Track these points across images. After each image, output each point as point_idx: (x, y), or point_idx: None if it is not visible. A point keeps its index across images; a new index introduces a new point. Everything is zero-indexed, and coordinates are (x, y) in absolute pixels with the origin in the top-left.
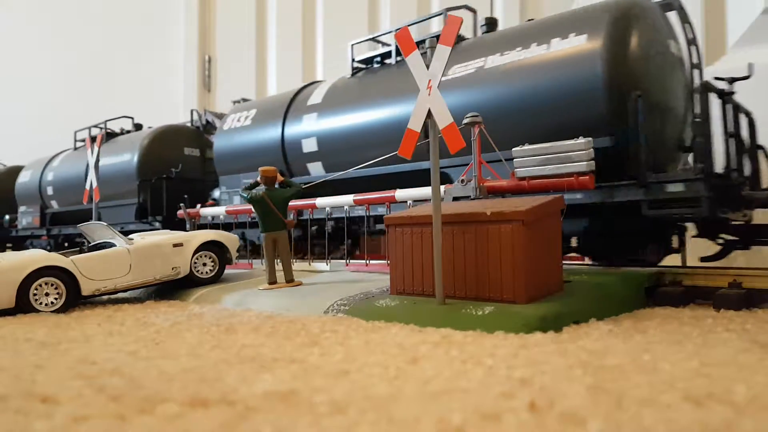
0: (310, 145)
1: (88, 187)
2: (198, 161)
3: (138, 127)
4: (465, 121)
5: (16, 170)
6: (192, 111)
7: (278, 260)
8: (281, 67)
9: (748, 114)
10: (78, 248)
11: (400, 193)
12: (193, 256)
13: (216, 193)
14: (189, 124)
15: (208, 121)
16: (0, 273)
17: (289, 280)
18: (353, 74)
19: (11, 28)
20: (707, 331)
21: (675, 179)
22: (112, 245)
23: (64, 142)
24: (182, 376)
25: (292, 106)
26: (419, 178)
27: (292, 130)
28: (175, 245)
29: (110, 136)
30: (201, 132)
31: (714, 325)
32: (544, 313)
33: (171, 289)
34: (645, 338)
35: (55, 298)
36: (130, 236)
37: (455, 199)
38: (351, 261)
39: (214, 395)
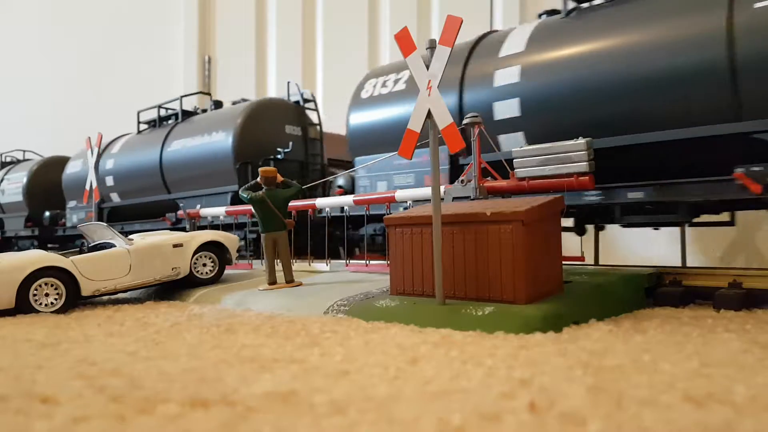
0: (507, 110)
1: (87, 187)
2: (300, 141)
3: (218, 104)
4: (465, 121)
5: (57, 161)
6: (288, 83)
7: (278, 260)
8: (281, 68)
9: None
10: (78, 248)
11: (400, 194)
12: (193, 257)
13: (341, 180)
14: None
15: (305, 96)
16: (0, 273)
17: (289, 280)
18: (567, 14)
19: (10, 27)
20: (707, 332)
21: None
22: (112, 246)
23: (64, 142)
24: (182, 376)
25: (472, 60)
26: None
27: (477, 91)
28: (175, 246)
29: (186, 114)
30: (302, 107)
31: (714, 326)
32: (544, 313)
33: (171, 289)
34: (645, 338)
35: (55, 299)
36: (130, 237)
37: (455, 199)
38: (351, 261)
39: (214, 395)
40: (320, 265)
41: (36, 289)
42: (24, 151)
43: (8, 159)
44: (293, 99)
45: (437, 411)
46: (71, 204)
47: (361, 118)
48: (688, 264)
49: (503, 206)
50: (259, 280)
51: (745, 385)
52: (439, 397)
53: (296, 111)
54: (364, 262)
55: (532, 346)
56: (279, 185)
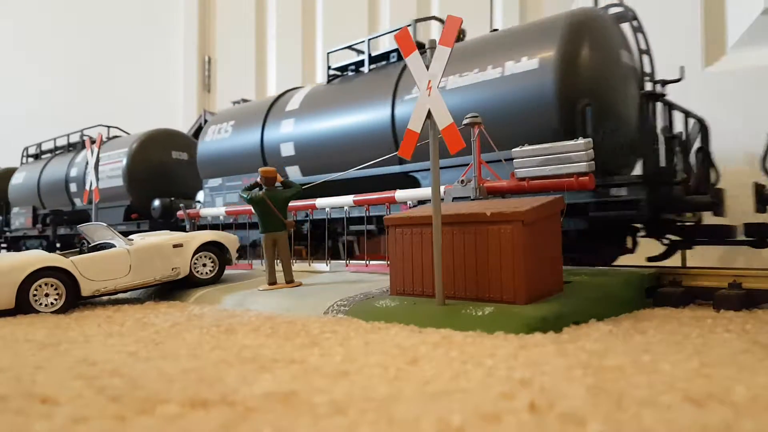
0: None
1: (87, 187)
2: (635, 78)
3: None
4: (465, 121)
5: (164, 135)
6: None
7: (278, 261)
8: (281, 68)
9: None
10: (78, 249)
11: (400, 194)
12: (192, 257)
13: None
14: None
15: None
16: (0, 274)
17: (289, 280)
18: None
19: (11, 27)
20: (707, 332)
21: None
22: (112, 246)
23: (62, 142)
24: (182, 376)
25: None
26: None
27: None
28: (174, 246)
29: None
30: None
31: (714, 326)
32: (544, 313)
33: (171, 289)
34: (645, 339)
35: (55, 299)
36: (130, 237)
37: (455, 199)
38: (351, 261)
39: (214, 396)
40: (320, 266)
41: (36, 290)
42: (109, 127)
43: (85, 137)
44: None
45: (437, 411)
46: (212, 183)
47: None
48: (688, 264)
49: (503, 206)
50: (259, 281)
51: (745, 385)
52: (439, 397)
53: (619, 31)
54: (364, 262)
55: (532, 347)
56: (279, 185)
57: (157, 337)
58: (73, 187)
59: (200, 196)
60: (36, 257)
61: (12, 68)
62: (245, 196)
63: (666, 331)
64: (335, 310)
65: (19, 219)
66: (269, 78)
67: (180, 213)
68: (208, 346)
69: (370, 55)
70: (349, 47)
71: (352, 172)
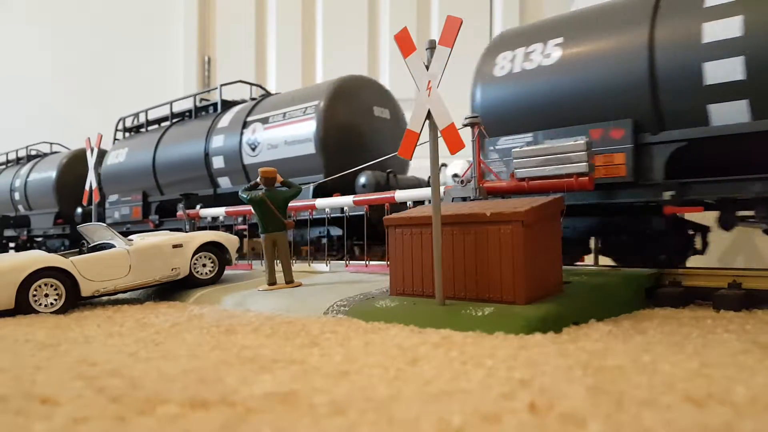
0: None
1: (87, 188)
2: None
3: None
4: (465, 121)
5: (362, 85)
6: None
7: (278, 261)
8: (281, 68)
9: None
10: (78, 249)
11: (400, 194)
12: (192, 257)
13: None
14: None
15: None
16: (0, 274)
17: (289, 281)
18: None
19: (11, 27)
20: (707, 332)
21: None
22: (111, 246)
23: (63, 142)
24: (182, 377)
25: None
26: None
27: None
28: (174, 246)
29: None
30: None
31: (714, 326)
32: (544, 314)
33: (170, 290)
34: (645, 339)
35: (55, 299)
36: (130, 237)
37: (455, 199)
38: (350, 262)
39: (214, 396)
40: (320, 266)
41: (36, 290)
42: (252, 84)
43: (205, 102)
44: None
45: (437, 411)
46: (506, 143)
47: None
48: (688, 264)
49: (503, 207)
50: (258, 281)
51: (745, 386)
52: (439, 397)
53: None
54: (363, 262)
55: (532, 347)
56: (279, 185)
57: (157, 337)
58: (216, 162)
59: (454, 167)
60: (36, 257)
61: (11, 68)
62: (245, 196)
63: (666, 331)
64: (335, 310)
65: (120, 210)
66: (269, 78)
67: (180, 213)
68: (208, 347)
69: None
70: None
71: None
